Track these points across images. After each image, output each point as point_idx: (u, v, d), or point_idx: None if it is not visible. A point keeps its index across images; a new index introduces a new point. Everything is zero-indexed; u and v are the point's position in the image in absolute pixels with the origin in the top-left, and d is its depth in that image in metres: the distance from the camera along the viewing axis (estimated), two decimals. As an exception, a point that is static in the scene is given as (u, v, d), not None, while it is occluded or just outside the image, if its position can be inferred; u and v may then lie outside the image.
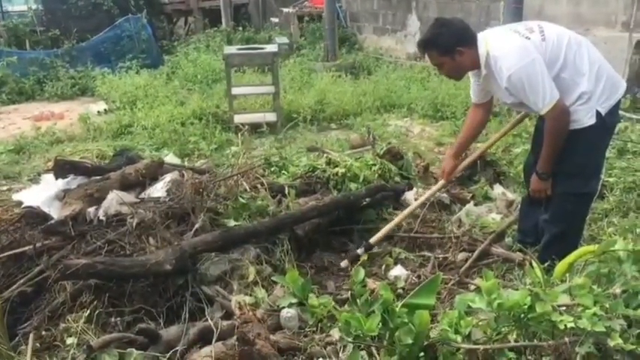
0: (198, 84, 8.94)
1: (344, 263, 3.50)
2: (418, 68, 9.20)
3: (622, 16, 7.05)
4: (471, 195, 4.54)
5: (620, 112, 6.17)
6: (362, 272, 1.97)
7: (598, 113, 2.96)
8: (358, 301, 1.90)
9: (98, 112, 7.94)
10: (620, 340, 1.85)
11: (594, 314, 1.89)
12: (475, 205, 4.35)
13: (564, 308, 1.99)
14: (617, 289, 2.05)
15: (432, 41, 3.14)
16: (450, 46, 3.07)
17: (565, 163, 3.07)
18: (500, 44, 2.99)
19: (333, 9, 10.67)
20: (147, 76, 9.21)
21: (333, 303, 1.97)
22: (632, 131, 5.81)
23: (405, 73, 8.96)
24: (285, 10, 12.82)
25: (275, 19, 13.26)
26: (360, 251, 3.53)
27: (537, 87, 2.88)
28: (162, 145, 6.23)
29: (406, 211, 3.74)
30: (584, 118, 2.97)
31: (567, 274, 2.42)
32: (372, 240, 3.58)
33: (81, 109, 8.17)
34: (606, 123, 3.02)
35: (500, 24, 8.26)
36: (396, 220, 3.71)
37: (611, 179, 4.51)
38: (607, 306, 1.96)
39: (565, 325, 1.87)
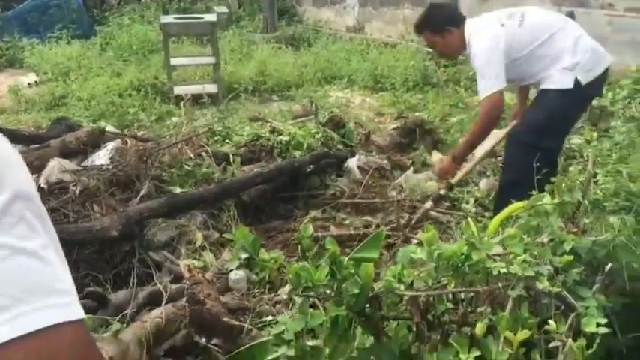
0: (134, 55, 8.71)
1: (428, 204, 3.62)
2: (358, 40, 9.30)
3: (551, -9, 7.35)
4: (410, 162, 4.70)
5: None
6: (310, 228, 2.05)
7: (577, 81, 3.17)
8: (307, 254, 1.99)
9: (29, 83, 7.64)
10: (547, 284, 2.01)
11: (524, 261, 2.05)
12: (414, 172, 4.51)
13: (498, 257, 2.15)
14: (544, 239, 2.22)
15: (424, 23, 3.46)
16: (441, 25, 3.37)
17: (530, 114, 3.28)
18: (478, 30, 3.30)
19: (272, -20, 10.59)
20: (79, 47, 8.90)
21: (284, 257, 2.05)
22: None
23: (344, 45, 9.04)
24: (223, -20, 12.58)
25: (212, -10, 12.99)
26: (442, 191, 3.68)
27: (486, 74, 3.15)
28: (99, 117, 6.09)
29: (487, 147, 3.79)
30: (562, 80, 3.19)
31: (500, 229, 2.60)
32: (454, 180, 3.72)
33: (10, 80, 7.82)
34: (583, 92, 3.24)
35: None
36: (476, 159, 3.82)
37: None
38: (536, 253, 2.12)
39: (498, 271, 2.01)
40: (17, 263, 0.60)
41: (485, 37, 3.26)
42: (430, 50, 8.05)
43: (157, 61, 7.97)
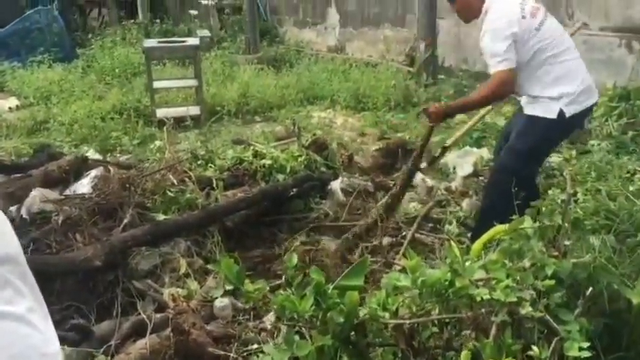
0: (116, 78, 8.69)
1: (423, 165, 3.74)
2: (339, 60, 9.37)
3: (527, 11, 7.49)
4: (393, 183, 4.73)
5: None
6: (295, 258, 2.06)
7: (562, 112, 3.21)
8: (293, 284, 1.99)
9: (9, 108, 7.58)
10: (530, 309, 2.04)
11: (507, 286, 2.07)
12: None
13: (481, 283, 2.17)
14: (526, 263, 2.25)
15: None
16: None
17: (517, 141, 3.32)
18: (497, 8, 3.26)
19: (254, 1, 10.66)
20: (61, 71, 8.86)
21: (268, 287, 2.05)
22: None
23: (326, 66, 9.10)
24: (205, 2, 12.65)
25: (194, 12, 13.04)
26: (436, 154, 3.79)
27: (496, 52, 3.14)
28: (81, 141, 6.06)
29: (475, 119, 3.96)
30: (551, 108, 3.22)
31: (483, 252, 2.63)
32: (448, 142, 3.82)
33: (-10, 105, 7.77)
34: (566, 124, 3.28)
35: (415, 17, 8.60)
36: (470, 123, 3.96)
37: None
38: (518, 278, 2.15)
39: (482, 297, 2.03)
40: (5, 328, 0.61)
41: (501, 16, 3.22)
42: (410, 69, 8.20)
43: (139, 84, 7.96)
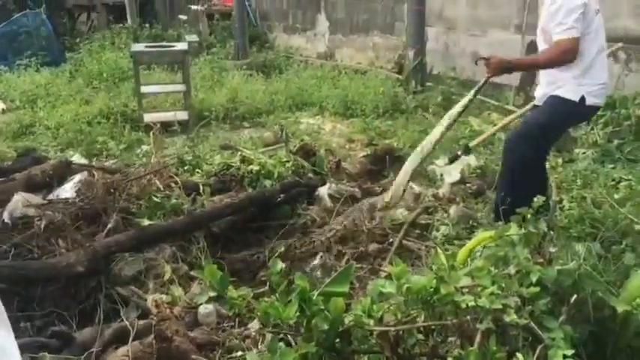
0: (104, 82, 8.64)
1: (444, 161, 3.88)
2: (328, 67, 9.39)
3: (515, 20, 7.55)
4: (380, 189, 4.72)
5: (514, 109, 6.66)
6: (279, 264, 2.04)
7: (583, 98, 3.39)
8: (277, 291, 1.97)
9: (-4, 111, 7.52)
10: (515, 316, 2.03)
11: (492, 293, 2.07)
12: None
13: (466, 290, 2.16)
14: (511, 270, 2.24)
15: None
16: None
17: (535, 113, 3.52)
18: None
19: (243, 7, 10.67)
20: (48, 74, 8.80)
21: (252, 294, 2.03)
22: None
23: (315, 72, 9.12)
24: (194, 7, 12.64)
25: (183, 17, 13.03)
26: (459, 152, 3.92)
27: (567, 18, 3.24)
28: (67, 146, 6.00)
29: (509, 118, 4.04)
30: (572, 93, 3.40)
31: (469, 259, 2.63)
32: (471, 144, 3.97)
33: (-25, 109, 7.69)
34: (583, 111, 3.49)
35: (404, 25, 8.64)
36: (498, 126, 4.08)
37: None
38: (503, 285, 2.14)
39: (467, 304, 2.02)
40: None
41: None
42: (400, 77, 8.22)
43: (127, 89, 7.92)
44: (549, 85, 3.57)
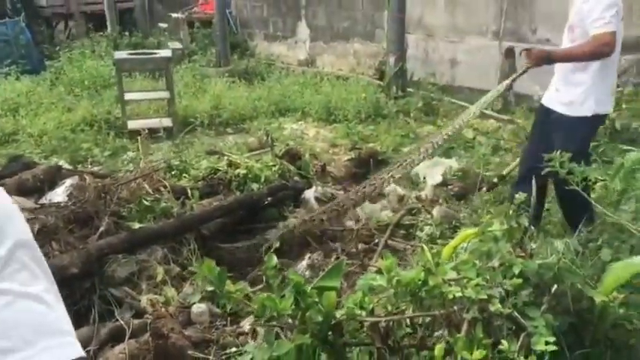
0: (85, 90, 8.63)
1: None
2: (310, 74, 9.49)
3: (492, 26, 7.75)
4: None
5: (493, 113, 6.82)
6: (274, 258, 2.12)
7: (594, 111, 3.56)
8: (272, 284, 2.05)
9: (-24, 120, 7.46)
10: (499, 306, 2.14)
11: (477, 285, 2.17)
12: (370, 201, 4.64)
13: (453, 282, 2.26)
14: (495, 263, 2.35)
15: None
16: None
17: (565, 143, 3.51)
18: None
19: (224, 15, 10.73)
20: (29, 83, 8.76)
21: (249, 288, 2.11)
22: (504, 130, 6.43)
23: (297, 79, 9.21)
24: (175, 15, 12.65)
25: (164, 25, 13.04)
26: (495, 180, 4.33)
27: (605, 12, 3.37)
28: (51, 153, 6.01)
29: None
30: (585, 109, 3.58)
31: (453, 255, 2.73)
32: (505, 171, 4.40)
33: (-45, 117, 7.63)
34: (598, 120, 3.69)
35: (384, 32, 8.78)
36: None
37: (488, 173, 4.99)
38: (487, 277, 2.25)
39: (454, 295, 2.13)
40: (23, 307, 0.66)
41: None
42: (381, 83, 8.36)
43: (109, 96, 7.93)
44: (558, 92, 3.71)
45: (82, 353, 0.70)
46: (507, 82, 4.03)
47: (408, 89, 8.17)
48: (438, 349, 1.95)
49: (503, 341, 2.03)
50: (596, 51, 3.47)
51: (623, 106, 6.06)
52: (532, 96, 7.26)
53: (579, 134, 3.62)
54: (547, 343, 2.04)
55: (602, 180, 4.73)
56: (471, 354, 1.92)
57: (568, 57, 3.67)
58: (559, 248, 2.71)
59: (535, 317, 2.16)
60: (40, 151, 6.08)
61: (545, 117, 3.81)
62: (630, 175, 3.27)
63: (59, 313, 0.71)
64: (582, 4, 3.51)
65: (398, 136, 6.39)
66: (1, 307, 0.65)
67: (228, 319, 2.96)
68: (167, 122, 6.84)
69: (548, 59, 3.69)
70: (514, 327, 2.16)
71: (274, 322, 2.11)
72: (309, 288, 2.19)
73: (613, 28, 3.40)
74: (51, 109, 7.38)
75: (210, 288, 2.07)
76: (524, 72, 3.89)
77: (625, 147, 5.28)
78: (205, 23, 12.06)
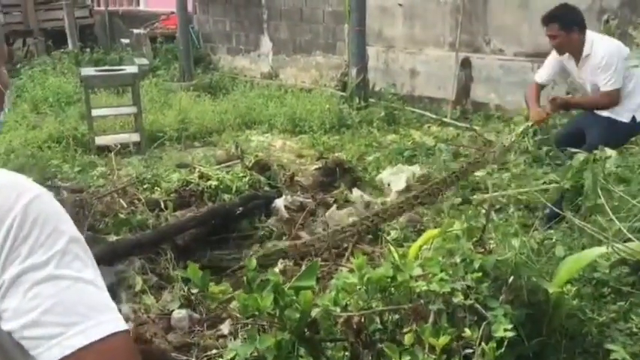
0: (49, 107, 8.62)
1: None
2: (274, 87, 9.65)
3: (449, 38, 8.06)
4: (333, 199, 5.00)
5: (451, 121, 7.10)
6: (254, 262, 2.27)
7: (633, 118, 4.07)
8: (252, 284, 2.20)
9: (-63, 140, 7.38)
10: (461, 298, 2.33)
11: (442, 279, 2.36)
12: (337, 208, 4.82)
13: (419, 277, 2.45)
14: (457, 259, 2.55)
15: (557, 16, 4.07)
16: (569, 24, 4.01)
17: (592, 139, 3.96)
18: (602, 38, 4.16)
19: (187, 30, 10.83)
20: (-10, 101, 8.69)
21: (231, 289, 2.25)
22: (462, 137, 6.72)
23: (262, 92, 9.35)
24: (136, 31, 12.67)
25: (126, 40, 13.05)
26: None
27: (613, 72, 3.93)
28: (19, 170, 5.96)
29: None
30: (623, 115, 4.06)
31: (419, 254, 2.93)
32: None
33: None
34: (634, 127, 4.13)
35: (345, 45, 9.03)
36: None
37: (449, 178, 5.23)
38: (450, 272, 2.44)
39: (420, 289, 2.32)
40: (80, 289, 0.83)
41: (613, 44, 4.12)
42: (343, 94, 8.59)
43: (74, 113, 7.93)
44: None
45: (127, 327, 0.85)
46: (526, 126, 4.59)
47: (370, 100, 8.40)
48: (408, 337, 2.13)
49: (466, 329, 2.22)
50: (604, 103, 4.07)
51: None
52: (488, 104, 7.59)
53: (610, 132, 3.99)
54: (505, 330, 2.23)
55: (555, 181, 5.03)
56: (437, 340, 2.10)
57: (581, 105, 4.34)
58: (515, 245, 2.94)
59: (495, 307, 2.36)
60: (7, 169, 6.04)
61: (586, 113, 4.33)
62: (578, 175, 3.53)
63: (107, 294, 0.87)
64: (594, 61, 4.00)
65: (362, 145, 6.61)
66: (64, 289, 0.81)
67: (207, 324, 3.08)
68: (135, 137, 6.90)
69: (564, 106, 4.35)
70: (476, 317, 2.35)
71: (255, 320, 2.26)
72: (287, 287, 2.34)
73: (618, 85, 3.98)
74: (16, 128, 7.35)
75: (192, 291, 2.20)
76: (547, 117, 4.53)
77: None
78: (168, 38, 12.12)
